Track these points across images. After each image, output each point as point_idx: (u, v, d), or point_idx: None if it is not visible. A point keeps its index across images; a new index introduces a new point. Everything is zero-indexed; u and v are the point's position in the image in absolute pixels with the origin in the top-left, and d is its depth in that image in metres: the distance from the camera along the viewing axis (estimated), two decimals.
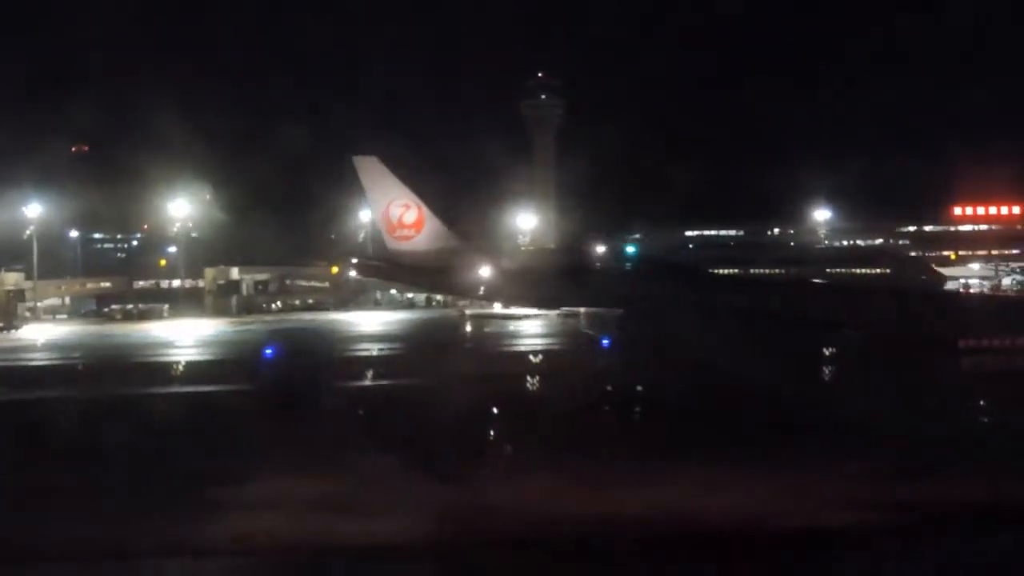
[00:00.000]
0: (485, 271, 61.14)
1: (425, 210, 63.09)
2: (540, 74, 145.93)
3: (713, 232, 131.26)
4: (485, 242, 72.64)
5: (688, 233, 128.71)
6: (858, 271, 66.96)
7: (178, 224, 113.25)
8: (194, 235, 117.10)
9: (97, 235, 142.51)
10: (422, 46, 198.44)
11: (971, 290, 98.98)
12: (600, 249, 69.61)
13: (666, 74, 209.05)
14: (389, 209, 62.88)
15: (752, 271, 66.72)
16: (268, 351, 60.33)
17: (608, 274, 62.74)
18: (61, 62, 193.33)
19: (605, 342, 55.21)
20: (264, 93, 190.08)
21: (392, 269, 69.41)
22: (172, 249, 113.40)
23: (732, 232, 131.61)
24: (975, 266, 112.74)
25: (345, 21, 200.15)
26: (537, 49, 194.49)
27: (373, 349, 65.99)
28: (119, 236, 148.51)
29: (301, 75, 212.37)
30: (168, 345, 69.77)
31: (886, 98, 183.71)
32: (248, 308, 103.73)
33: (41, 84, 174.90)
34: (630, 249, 70.65)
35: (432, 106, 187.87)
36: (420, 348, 65.79)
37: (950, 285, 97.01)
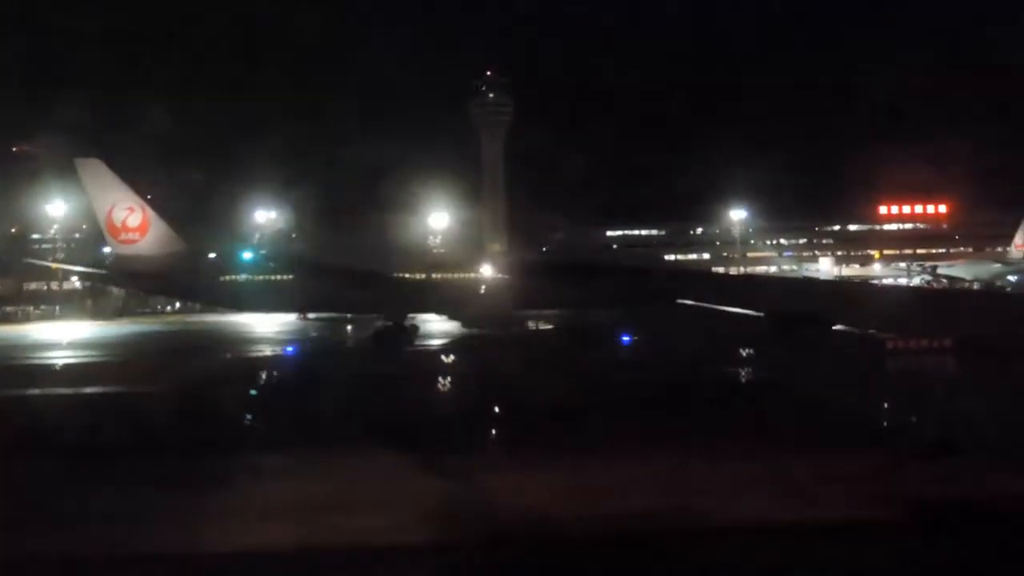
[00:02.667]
0: (206, 275, 62.71)
1: (150, 213, 63.33)
2: (488, 72, 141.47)
3: (635, 232, 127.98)
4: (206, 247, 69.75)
5: (610, 233, 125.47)
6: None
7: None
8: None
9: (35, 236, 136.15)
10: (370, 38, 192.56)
11: None
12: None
13: (608, 76, 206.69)
14: (112, 212, 62.75)
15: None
16: None
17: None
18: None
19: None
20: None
21: (117, 275, 70.43)
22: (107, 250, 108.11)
23: (654, 232, 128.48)
24: (877, 267, 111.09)
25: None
26: (487, 48, 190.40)
27: None
28: (56, 237, 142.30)
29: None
30: None
31: (812, 97, 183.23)
32: None
33: None
34: (250, 253, 69.40)
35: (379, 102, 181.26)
36: None
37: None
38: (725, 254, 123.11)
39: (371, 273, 60.78)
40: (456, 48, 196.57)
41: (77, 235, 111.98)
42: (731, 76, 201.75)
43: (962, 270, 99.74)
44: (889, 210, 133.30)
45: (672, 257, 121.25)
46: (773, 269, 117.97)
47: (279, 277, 64.60)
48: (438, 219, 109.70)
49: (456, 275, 65.46)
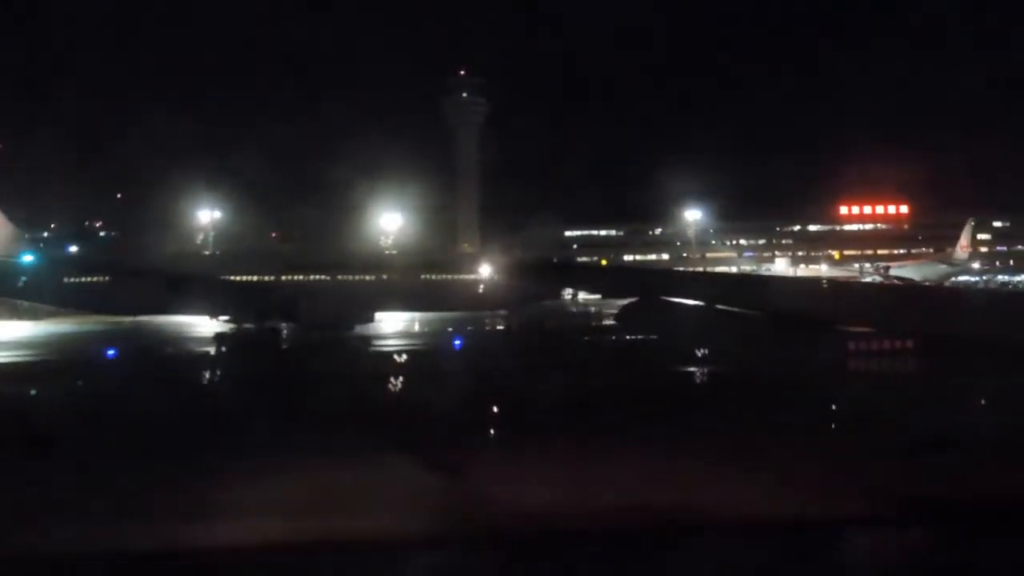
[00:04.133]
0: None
1: None
2: (463, 71, 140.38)
3: (594, 232, 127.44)
4: None
5: (568, 233, 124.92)
6: (463, 276, 65.14)
7: None
8: None
9: None
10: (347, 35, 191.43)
11: None
12: None
13: (579, 77, 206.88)
14: None
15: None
16: None
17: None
18: None
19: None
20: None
21: None
22: (73, 248, 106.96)
23: (613, 232, 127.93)
24: (823, 267, 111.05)
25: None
26: (461, 46, 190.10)
27: None
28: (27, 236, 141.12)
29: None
30: None
31: (773, 98, 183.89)
32: None
33: None
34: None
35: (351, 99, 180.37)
36: None
37: None
38: (685, 255, 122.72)
39: (196, 276, 60.45)
40: (430, 47, 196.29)
41: None
42: (697, 79, 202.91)
43: (911, 271, 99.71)
44: (850, 210, 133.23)
45: (630, 257, 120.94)
46: (733, 269, 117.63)
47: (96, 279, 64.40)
48: (390, 220, 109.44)
49: (312, 278, 64.35)
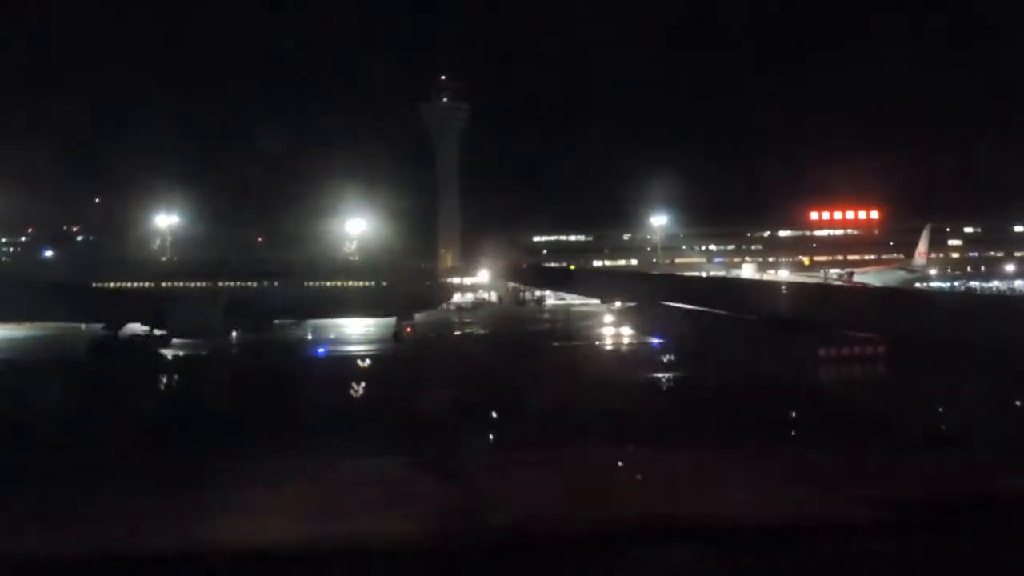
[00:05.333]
0: None
1: None
2: (443, 76, 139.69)
3: (563, 237, 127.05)
4: None
5: (536, 239, 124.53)
6: (352, 283, 64.77)
7: None
8: None
9: None
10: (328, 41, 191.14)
11: None
12: None
13: (557, 85, 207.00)
14: None
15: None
16: None
17: None
18: None
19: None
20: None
21: None
22: (49, 253, 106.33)
23: (582, 237, 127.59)
24: (783, 272, 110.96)
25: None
26: (441, 51, 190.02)
27: None
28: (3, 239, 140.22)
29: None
30: None
31: (744, 104, 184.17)
32: None
33: None
34: None
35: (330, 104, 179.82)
36: None
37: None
38: (655, 260, 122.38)
39: (75, 286, 60.47)
40: (411, 52, 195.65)
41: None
42: (674, 84, 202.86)
43: (873, 277, 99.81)
44: (821, 216, 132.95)
45: (599, 263, 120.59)
46: (703, 274, 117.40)
47: None
48: (355, 225, 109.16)
49: (195, 285, 63.93)
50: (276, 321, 64.96)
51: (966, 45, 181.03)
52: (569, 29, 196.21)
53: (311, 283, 63.68)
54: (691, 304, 28.68)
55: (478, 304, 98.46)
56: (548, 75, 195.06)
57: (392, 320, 63.33)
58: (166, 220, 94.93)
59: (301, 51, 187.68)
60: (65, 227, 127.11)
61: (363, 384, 43.21)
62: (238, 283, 62.35)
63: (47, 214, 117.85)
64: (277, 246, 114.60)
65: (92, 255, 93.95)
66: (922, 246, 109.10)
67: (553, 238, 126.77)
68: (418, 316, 66.46)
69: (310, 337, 65.82)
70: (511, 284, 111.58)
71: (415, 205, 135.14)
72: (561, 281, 57.90)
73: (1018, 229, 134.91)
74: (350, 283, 63.65)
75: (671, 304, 28.36)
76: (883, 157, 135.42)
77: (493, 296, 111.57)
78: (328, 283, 63.80)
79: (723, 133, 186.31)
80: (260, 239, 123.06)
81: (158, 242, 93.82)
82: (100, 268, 68.78)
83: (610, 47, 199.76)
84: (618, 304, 53.78)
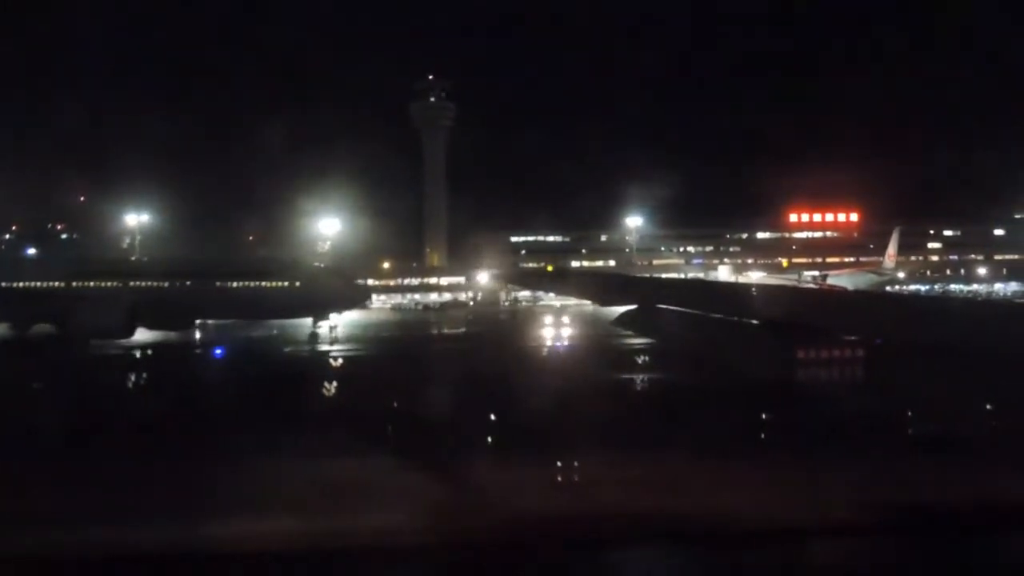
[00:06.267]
0: None
1: None
2: (431, 76, 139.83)
3: (541, 238, 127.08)
4: None
5: (514, 239, 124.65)
6: (266, 284, 64.74)
7: None
8: None
9: None
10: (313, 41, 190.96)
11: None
12: None
13: (542, 87, 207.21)
14: None
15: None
16: None
17: None
18: None
19: None
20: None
21: None
22: (31, 251, 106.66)
23: (560, 238, 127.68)
24: (757, 274, 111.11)
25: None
26: (429, 51, 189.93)
27: None
28: None
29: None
30: None
31: (725, 106, 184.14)
32: None
33: None
34: None
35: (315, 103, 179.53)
36: None
37: None
38: (635, 261, 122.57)
39: None
40: (398, 52, 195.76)
41: None
42: (654, 86, 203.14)
43: (845, 280, 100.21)
44: (800, 218, 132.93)
45: (577, 264, 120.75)
46: (681, 276, 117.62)
47: None
48: (328, 225, 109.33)
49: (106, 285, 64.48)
50: (200, 321, 65.29)
51: (945, 45, 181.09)
52: (553, 32, 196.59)
53: (229, 284, 64.09)
54: (674, 304, 29.67)
55: (447, 305, 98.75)
56: (531, 76, 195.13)
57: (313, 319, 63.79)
58: (135, 219, 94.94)
59: (287, 51, 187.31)
60: (50, 225, 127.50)
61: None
62: (150, 283, 62.65)
63: (34, 212, 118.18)
64: (264, 246, 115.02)
65: (65, 254, 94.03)
66: (891, 249, 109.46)
67: (532, 238, 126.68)
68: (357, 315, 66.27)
69: (220, 338, 65.59)
70: (487, 284, 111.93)
71: (403, 205, 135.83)
72: (542, 282, 59.54)
73: (998, 232, 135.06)
74: (264, 284, 64.01)
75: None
76: (863, 159, 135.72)
77: (468, 296, 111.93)
78: (239, 284, 64.15)
79: (704, 135, 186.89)
80: (251, 237, 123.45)
81: (127, 241, 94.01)
82: (18, 267, 69.26)
83: (592, 49, 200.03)
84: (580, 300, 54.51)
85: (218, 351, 60.08)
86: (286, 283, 63.94)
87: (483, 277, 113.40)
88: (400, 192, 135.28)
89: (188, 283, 63.70)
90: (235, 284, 64.18)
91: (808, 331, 20.57)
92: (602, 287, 44.69)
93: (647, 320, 27.90)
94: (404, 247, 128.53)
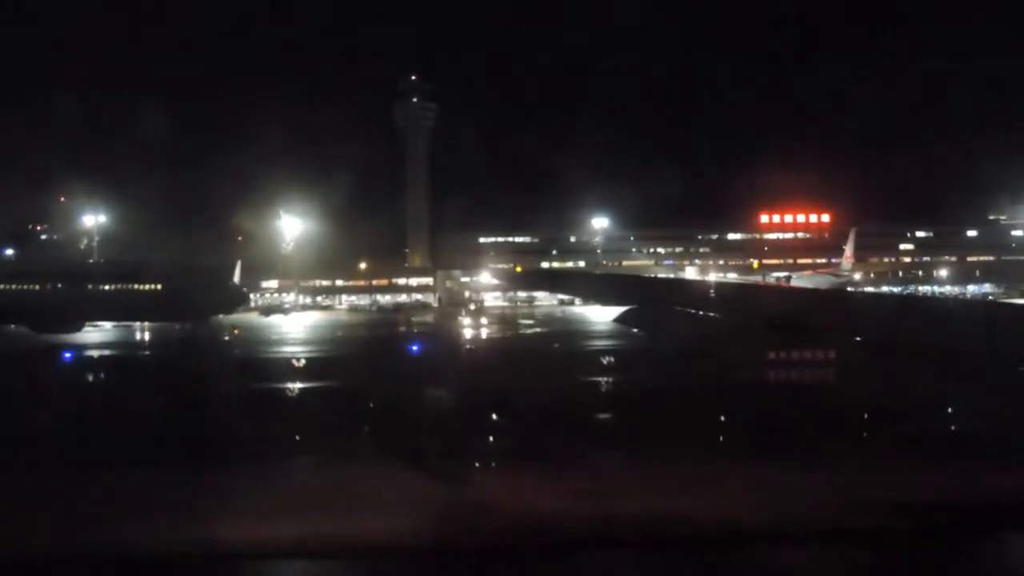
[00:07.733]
0: None
1: None
2: (414, 77, 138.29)
3: (509, 239, 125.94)
4: None
5: (483, 240, 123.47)
6: (137, 287, 64.50)
7: None
8: None
9: None
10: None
11: None
12: None
13: (520, 88, 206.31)
14: None
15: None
16: None
17: None
18: None
19: None
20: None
21: None
22: (9, 252, 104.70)
23: (528, 239, 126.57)
24: (732, 275, 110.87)
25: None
26: (411, 51, 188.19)
27: None
28: None
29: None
30: None
31: (696, 107, 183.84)
32: None
33: None
34: None
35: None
36: None
37: None
38: (605, 261, 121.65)
39: None
40: (380, 52, 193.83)
41: None
42: (629, 89, 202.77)
43: (806, 281, 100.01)
44: (771, 219, 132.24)
45: (547, 264, 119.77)
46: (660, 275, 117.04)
47: None
48: (292, 225, 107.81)
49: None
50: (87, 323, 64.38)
51: (921, 45, 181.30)
52: (531, 33, 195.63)
53: (101, 287, 63.31)
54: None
55: (404, 306, 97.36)
56: (509, 78, 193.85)
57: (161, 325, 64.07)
58: (92, 220, 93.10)
59: (267, 50, 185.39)
60: (31, 226, 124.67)
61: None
62: (22, 287, 62.11)
63: (15, 212, 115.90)
64: (231, 248, 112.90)
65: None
66: (848, 251, 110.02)
67: (501, 239, 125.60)
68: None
69: (84, 340, 63.85)
70: (450, 286, 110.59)
71: (386, 206, 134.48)
72: (513, 282, 58.62)
73: (971, 234, 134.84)
74: (135, 287, 63.16)
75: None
76: (835, 160, 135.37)
77: (435, 297, 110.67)
78: (112, 287, 63.43)
79: (675, 137, 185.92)
80: (239, 238, 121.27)
81: (84, 242, 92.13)
82: None
83: (568, 50, 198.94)
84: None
85: (66, 354, 58.01)
86: (157, 286, 63.00)
87: (451, 278, 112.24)
88: (383, 192, 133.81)
89: (59, 286, 62.71)
90: (107, 287, 63.22)
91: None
92: (569, 286, 49.56)
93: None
94: (388, 248, 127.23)
